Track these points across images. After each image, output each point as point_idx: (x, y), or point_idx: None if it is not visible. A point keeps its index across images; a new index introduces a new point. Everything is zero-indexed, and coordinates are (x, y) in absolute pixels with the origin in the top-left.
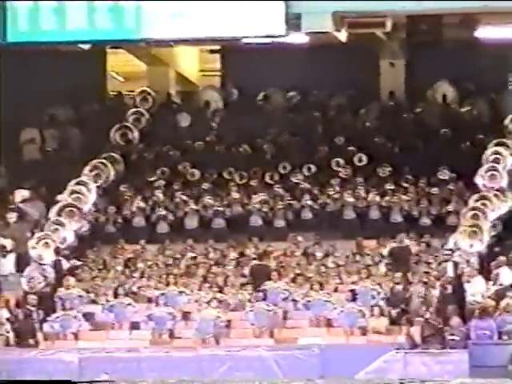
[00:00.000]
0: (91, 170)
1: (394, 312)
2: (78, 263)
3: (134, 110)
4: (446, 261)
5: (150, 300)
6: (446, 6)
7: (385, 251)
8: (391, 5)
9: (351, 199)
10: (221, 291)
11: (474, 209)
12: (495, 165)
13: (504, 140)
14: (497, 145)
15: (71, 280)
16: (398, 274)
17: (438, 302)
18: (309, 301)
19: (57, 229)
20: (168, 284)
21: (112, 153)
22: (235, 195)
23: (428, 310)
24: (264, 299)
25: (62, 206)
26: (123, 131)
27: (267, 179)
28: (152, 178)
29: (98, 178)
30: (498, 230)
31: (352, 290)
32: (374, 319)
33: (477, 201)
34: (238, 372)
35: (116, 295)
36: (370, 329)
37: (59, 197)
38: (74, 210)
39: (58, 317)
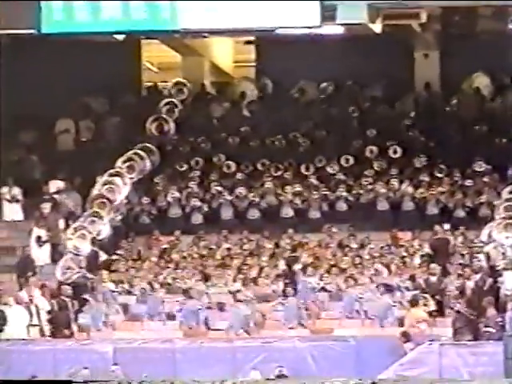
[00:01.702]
0: (125, 161)
1: (429, 303)
2: (114, 257)
3: (167, 100)
4: (479, 252)
5: (184, 291)
6: None
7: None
8: None
9: (384, 190)
10: (255, 282)
11: (508, 200)
12: None
13: None
14: None
15: (106, 271)
16: (433, 265)
17: (473, 293)
18: (344, 292)
19: (93, 220)
20: (203, 275)
21: (147, 144)
22: (269, 186)
23: (459, 301)
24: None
25: (94, 197)
26: (159, 122)
27: (302, 170)
28: (185, 169)
29: (131, 169)
30: None
31: (387, 283)
32: (409, 311)
33: (510, 192)
34: (272, 363)
35: (151, 286)
36: (405, 320)
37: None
38: (105, 201)
39: (93, 308)
